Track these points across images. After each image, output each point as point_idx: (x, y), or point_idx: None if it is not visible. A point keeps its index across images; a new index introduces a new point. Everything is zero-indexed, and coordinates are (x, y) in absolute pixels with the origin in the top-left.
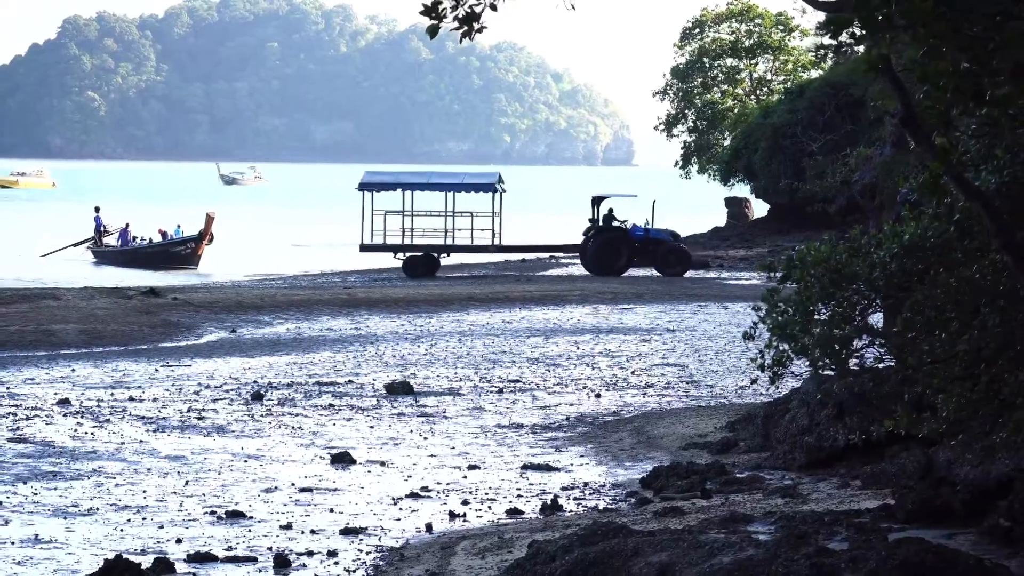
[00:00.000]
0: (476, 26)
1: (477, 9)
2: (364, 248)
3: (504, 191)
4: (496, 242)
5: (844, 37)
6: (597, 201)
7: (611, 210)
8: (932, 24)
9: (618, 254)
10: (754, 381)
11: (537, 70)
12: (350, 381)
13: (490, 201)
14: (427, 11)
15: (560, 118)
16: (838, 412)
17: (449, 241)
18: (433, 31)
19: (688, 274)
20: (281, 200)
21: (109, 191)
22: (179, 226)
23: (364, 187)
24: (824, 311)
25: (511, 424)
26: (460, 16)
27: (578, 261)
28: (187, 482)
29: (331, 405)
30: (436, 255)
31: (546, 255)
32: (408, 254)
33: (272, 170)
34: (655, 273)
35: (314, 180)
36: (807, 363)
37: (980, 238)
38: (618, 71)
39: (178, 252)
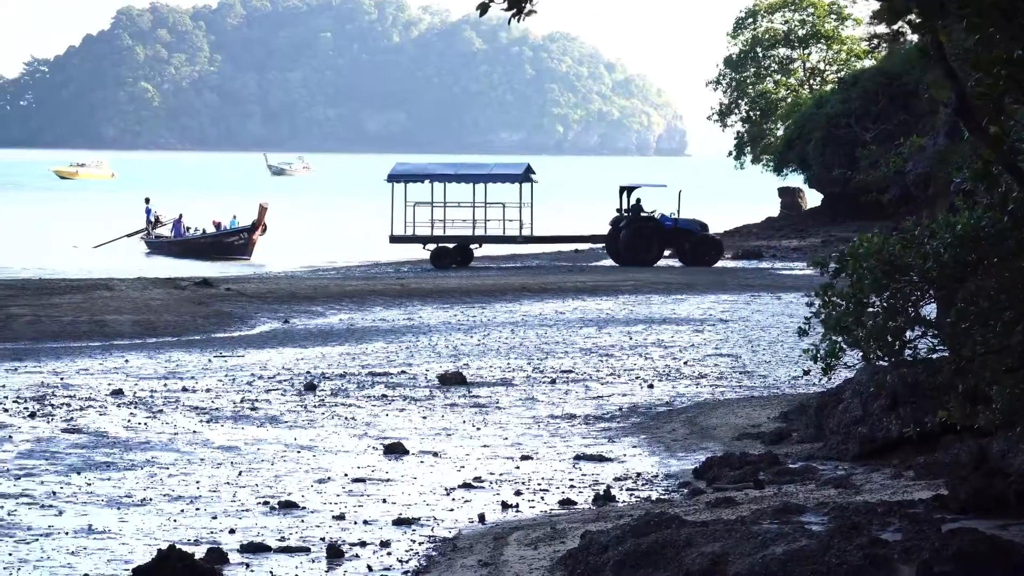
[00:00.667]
0: (525, 8)
1: None
2: (394, 239)
3: (535, 181)
4: (525, 233)
5: (899, 25)
6: (626, 191)
7: (639, 200)
8: (987, 12)
9: (649, 245)
10: (807, 372)
11: (590, 60)
12: (403, 372)
13: (527, 191)
14: None
15: (613, 108)
16: (891, 403)
17: (479, 232)
18: (483, 8)
19: (741, 264)
20: (328, 189)
21: (165, 182)
22: (235, 217)
23: (393, 178)
24: (878, 302)
25: (564, 415)
26: None
27: None
28: (240, 473)
29: (384, 396)
30: (469, 246)
31: (586, 246)
32: (438, 245)
33: (323, 160)
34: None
35: (363, 170)
36: (860, 354)
37: None
38: (671, 61)
39: (231, 243)
